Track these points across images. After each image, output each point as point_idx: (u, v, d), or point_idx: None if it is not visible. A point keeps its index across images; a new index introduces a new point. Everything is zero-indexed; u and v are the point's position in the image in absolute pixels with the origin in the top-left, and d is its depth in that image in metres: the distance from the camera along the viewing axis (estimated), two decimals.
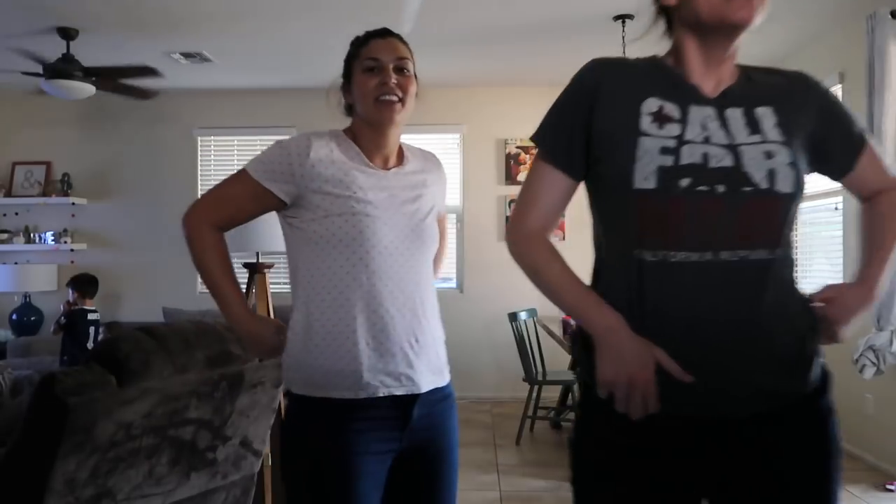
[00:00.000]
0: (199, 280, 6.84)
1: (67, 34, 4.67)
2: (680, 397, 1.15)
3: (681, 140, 1.18)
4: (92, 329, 5.11)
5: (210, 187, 1.64)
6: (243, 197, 1.57)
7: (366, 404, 1.50)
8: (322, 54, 5.38)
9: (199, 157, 6.59)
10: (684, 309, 1.15)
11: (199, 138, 6.58)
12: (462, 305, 6.37)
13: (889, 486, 3.98)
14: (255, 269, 3.14)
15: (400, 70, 1.60)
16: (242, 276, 3.56)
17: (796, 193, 1.18)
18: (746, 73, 1.33)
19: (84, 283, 5.20)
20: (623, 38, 4.75)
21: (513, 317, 5.10)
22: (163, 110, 6.45)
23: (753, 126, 1.22)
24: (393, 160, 1.67)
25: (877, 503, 3.80)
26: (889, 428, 4.25)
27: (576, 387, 5.06)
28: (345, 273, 1.52)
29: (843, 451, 1.27)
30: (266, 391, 2.06)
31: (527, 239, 1.32)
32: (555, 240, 1.42)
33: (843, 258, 4.70)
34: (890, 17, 4.01)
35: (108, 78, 5.00)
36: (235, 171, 1.60)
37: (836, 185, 1.37)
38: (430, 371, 1.58)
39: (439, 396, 1.61)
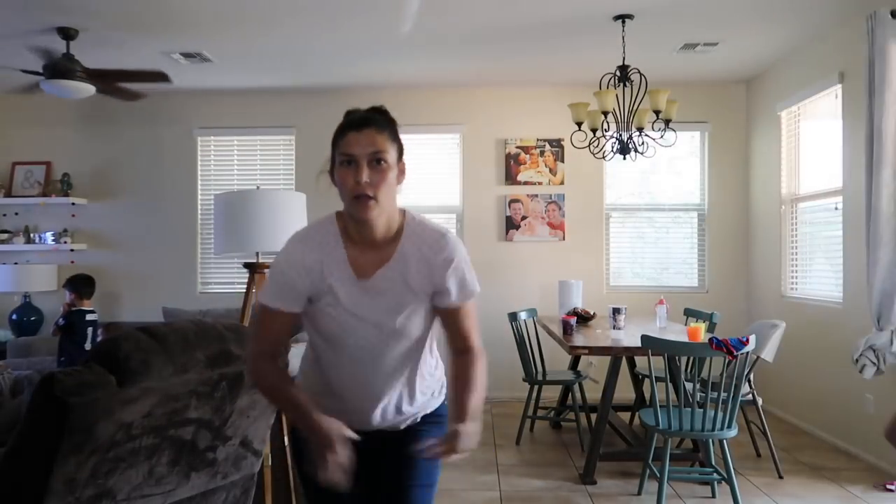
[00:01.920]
0: (199, 280, 6.86)
1: (67, 34, 4.67)
2: None
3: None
4: (90, 330, 5.11)
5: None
6: (273, 323, 1.73)
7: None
8: (322, 55, 5.38)
9: (199, 157, 6.59)
10: None
11: (199, 138, 6.58)
12: None
13: (889, 486, 3.98)
14: (255, 269, 3.14)
15: (377, 162, 1.63)
16: (242, 276, 3.56)
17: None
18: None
19: (81, 284, 5.19)
20: (623, 38, 4.75)
21: (513, 317, 5.10)
22: (163, 110, 6.45)
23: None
24: (384, 249, 1.73)
25: (877, 503, 3.81)
26: None
27: (576, 387, 5.07)
28: (322, 351, 1.77)
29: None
30: None
31: None
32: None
33: (843, 258, 4.70)
34: (890, 17, 4.01)
35: (112, 80, 5.00)
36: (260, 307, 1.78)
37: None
38: (388, 423, 1.80)
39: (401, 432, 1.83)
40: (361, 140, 1.63)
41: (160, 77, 4.97)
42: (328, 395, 1.78)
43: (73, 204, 6.48)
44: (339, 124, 1.69)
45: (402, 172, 1.71)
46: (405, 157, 1.73)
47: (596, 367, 5.96)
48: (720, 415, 3.53)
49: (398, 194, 1.71)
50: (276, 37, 4.97)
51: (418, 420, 1.86)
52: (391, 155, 1.65)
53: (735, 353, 3.45)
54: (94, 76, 4.79)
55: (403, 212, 1.76)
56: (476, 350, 1.78)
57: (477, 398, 1.69)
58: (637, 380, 5.21)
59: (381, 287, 1.71)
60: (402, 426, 1.84)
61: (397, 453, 1.81)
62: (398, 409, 1.80)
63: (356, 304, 1.71)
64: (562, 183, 6.39)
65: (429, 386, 1.85)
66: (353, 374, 1.76)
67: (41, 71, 4.71)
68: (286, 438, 3.07)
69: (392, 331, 1.73)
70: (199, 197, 6.55)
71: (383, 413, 1.79)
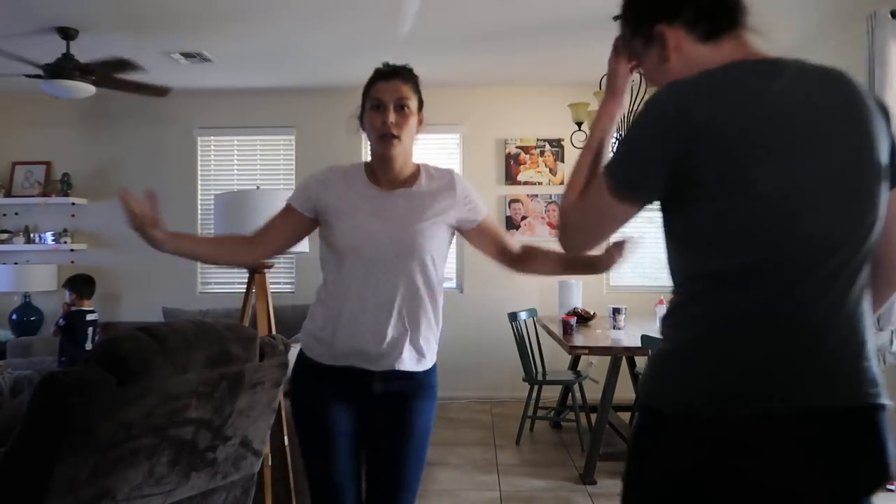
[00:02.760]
0: (199, 280, 6.86)
1: (67, 34, 4.66)
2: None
3: None
4: (90, 330, 5.10)
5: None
6: (280, 216, 2.04)
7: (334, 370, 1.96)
8: (322, 54, 5.38)
9: (199, 157, 6.59)
10: None
11: (199, 138, 6.58)
12: (462, 305, 6.36)
13: (889, 487, 3.98)
14: (255, 269, 3.14)
15: (401, 108, 1.92)
16: (242, 277, 3.56)
17: None
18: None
19: (81, 284, 5.18)
20: None
21: (513, 317, 5.10)
22: (163, 110, 6.45)
23: None
24: (403, 182, 1.98)
25: (877, 503, 3.80)
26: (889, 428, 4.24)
27: (576, 387, 5.07)
28: (338, 276, 1.94)
29: None
30: (266, 391, 2.06)
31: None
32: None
33: None
34: (890, 17, 4.01)
35: (114, 85, 5.00)
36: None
37: None
38: (393, 357, 1.92)
39: (408, 379, 1.97)
40: (389, 88, 1.93)
41: (162, 91, 5.01)
42: (343, 322, 1.91)
43: (73, 204, 6.48)
44: (369, 78, 1.98)
45: (420, 122, 2.00)
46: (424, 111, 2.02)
47: (596, 367, 5.96)
48: None
49: (416, 141, 2.00)
50: (277, 36, 4.97)
51: (413, 382, 1.98)
52: (413, 103, 1.96)
53: None
54: (95, 74, 4.78)
55: (418, 164, 2.03)
56: (515, 248, 2.07)
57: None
58: (637, 380, 5.21)
59: (400, 202, 1.94)
60: (403, 367, 1.95)
61: (393, 423, 1.96)
62: (405, 341, 1.93)
63: (376, 217, 1.91)
64: (562, 183, 6.39)
65: (433, 335, 2.01)
66: (367, 292, 1.90)
67: (41, 72, 4.72)
68: (286, 438, 3.08)
69: (406, 245, 1.90)
70: (199, 197, 6.55)
71: (392, 341, 1.91)
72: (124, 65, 4.70)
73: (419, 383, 1.99)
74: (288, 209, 2.00)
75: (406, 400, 1.97)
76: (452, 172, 2.04)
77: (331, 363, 1.95)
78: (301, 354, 2.03)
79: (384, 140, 1.90)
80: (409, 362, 1.95)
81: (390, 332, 1.91)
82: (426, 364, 2.01)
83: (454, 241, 2.10)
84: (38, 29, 4.65)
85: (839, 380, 1.17)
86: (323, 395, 1.96)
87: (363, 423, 1.99)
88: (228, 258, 2.08)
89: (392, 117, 1.89)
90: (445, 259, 2.02)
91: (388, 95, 1.91)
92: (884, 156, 1.24)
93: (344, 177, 1.99)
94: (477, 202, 2.03)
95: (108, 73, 4.81)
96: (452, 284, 6.46)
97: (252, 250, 2.03)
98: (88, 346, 5.04)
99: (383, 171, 1.97)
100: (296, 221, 1.99)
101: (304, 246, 2.33)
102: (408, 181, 1.98)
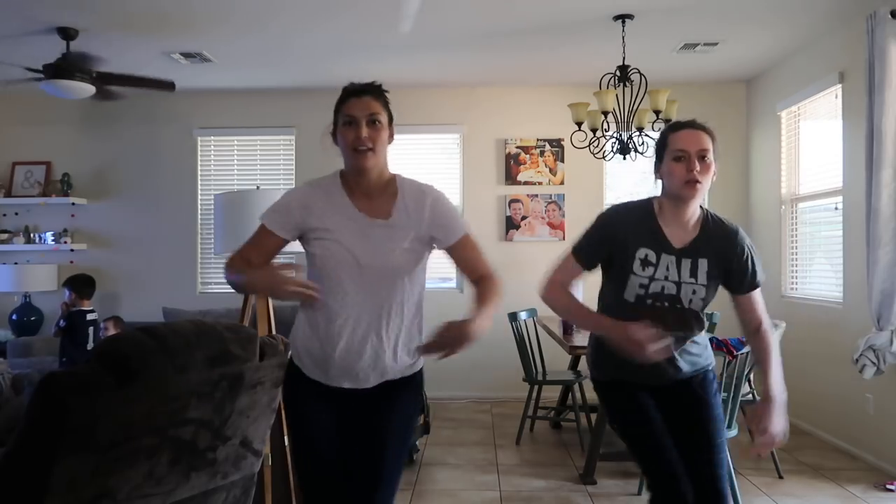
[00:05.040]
0: (199, 280, 6.85)
1: (67, 34, 4.66)
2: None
3: (651, 278, 2.19)
4: (91, 330, 5.10)
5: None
6: (259, 238, 2.08)
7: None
8: (322, 54, 5.38)
9: (199, 157, 6.59)
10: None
11: (199, 138, 6.58)
12: (462, 305, 6.32)
13: (889, 486, 3.98)
14: None
15: (373, 122, 1.99)
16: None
17: (702, 310, 2.24)
18: (706, 227, 2.22)
19: (81, 284, 5.18)
20: (623, 38, 4.75)
21: (513, 317, 5.10)
22: (163, 110, 6.45)
23: (694, 272, 2.20)
24: (378, 197, 2.05)
25: (877, 503, 3.81)
26: (889, 428, 4.25)
27: (576, 387, 5.07)
28: (323, 292, 1.98)
29: None
30: (266, 391, 2.06)
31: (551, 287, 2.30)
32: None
33: (843, 258, 4.70)
34: (890, 17, 4.01)
35: (118, 84, 5.01)
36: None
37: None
38: (375, 376, 2.03)
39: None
40: (360, 104, 2.00)
41: (167, 86, 5.00)
42: (330, 344, 2.00)
43: (73, 204, 6.48)
44: (340, 95, 2.05)
45: (391, 136, 2.07)
46: (394, 124, 2.08)
47: None
48: None
49: (388, 154, 2.06)
50: (277, 36, 4.97)
51: (398, 381, 2.08)
52: (384, 117, 2.02)
53: (735, 353, 3.45)
54: (99, 78, 4.78)
55: (394, 174, 2.09)
56: (489, 274, 2.08)
57: (490, 306, 1.98)
58: None
59: (382, 224, 2.02)
60: (389, 378, 2.06)
61: (379, 412, 2.05)
62: (389, 357, 2.03)
63: (358, 240, 2.00)
64: (562, 183, 6.39)
65: (418, 341, 2.10)
66: (349, 311, 1.99)
67: (41, 72, 4.72)
68: (286, 438, 3.08)
69: (386, 272, 2.00)
70: (199, 197, 6.55)
71: (377, 360, 2.02)
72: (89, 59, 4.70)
73: (405, 381, 2.11)
74: (266, 233, 2.05)
75: (389, 391, 2.07)
76: (429, 194, 2.07)
77: (323, 382, 2.06)
78: (291, 362, 2.12)
79: (358, 153, 1.98)
80: (394, 373, 2.07)
81: (375, 352, 2.01)
82: (414, 369, 2.12)
83: None
84: (38, 29, 4.66)
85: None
86: (307, 397, 2.08)
87: (345, 416, 2.08)
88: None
89: (365, 132, 1.97)
90: (425, 269, 2.12)
91: (360, 111, 1.99)
92: None
93: (325, 196, 2.05)
94: (451, 225, 2.08)
95: (108, 79, 4.82)
96: (452, 284, 6.46)
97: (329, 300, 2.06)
98: (89, 346, 5.04)
99: (359, 184, 2.04)
100: (277, 243, 2.07)
101: (298, 245, 2.34)
102: (385, 202, 2.04)
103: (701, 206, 2.24)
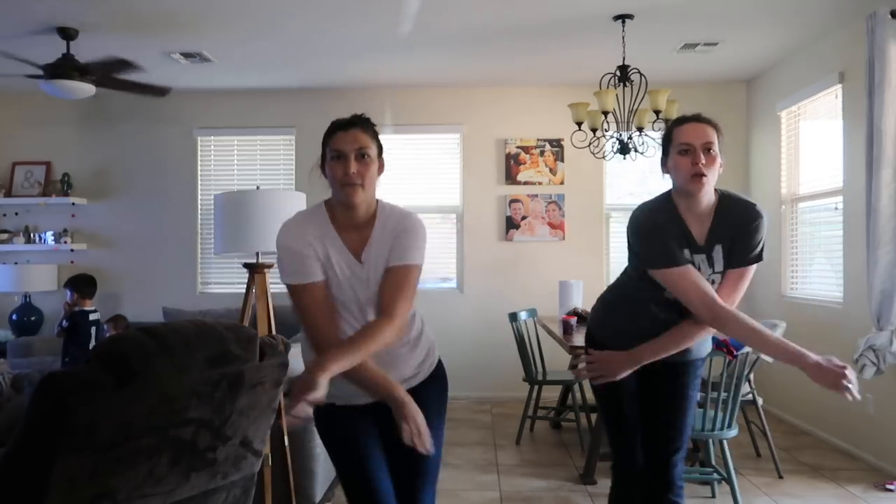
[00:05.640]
0: (199, 280, 6.85)
1: (67, 34, 4.66)
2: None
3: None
4: (93, 329, 5.11)
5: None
6: (309, 298, 2.01)
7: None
8: (321, 54, 5.38)
9: (199, 157, 6.59)
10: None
11: (199, 138, 6.58)
12: (462, 305, 6.37)
13: (889, 486, 3.98)
14: (255, 269, 3.14)
15: (362, 156, 1.97)
16: (242, 277, 3.60)
17: None
18: (720, 211, 2.24)
19: (83, 285, 5.19)
20: (623, 38, 4.75)
21: (513, 317, 5.10)
22: (163, 110, 6.45)
23: (712, 263, 2.25)
24: (365, 229, 2.04)
25: (877, 503, 3.81)
26: (889, 428, 4.25)
27: (576, 387, 5.07)
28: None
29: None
30: (266, 391, 2.06)
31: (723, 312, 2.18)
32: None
33: (843, 258, 4.70)
34: (890, 17, 4.01)
35: (115, 86, 5.00)
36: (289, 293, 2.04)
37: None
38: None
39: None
40: (348, 138, 1.97)
41: (160, 91, 5.00)
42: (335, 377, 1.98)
43: (73, 204, 6.48)
44: (327, 128, 2.02)
45: (381, 167, 2.04)
46: (384, 155, 2.06)
47: None
48: (720, 415, 3.53)
49: (377, 186, 2.05)
50: (276, 37, 4.97)
51: (420, 380, 2.13)
52: (373, 150, 2.00)
53: (735, 353, 3.45)
54: (95, 74, 4.78)
55: (377, 200, 2.07)
56: (391, 316, 1.95)
57: (346, 354, 1.84)
58: None
59: (367, 263, 2.02)
60: (412, 384, 2.10)
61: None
62: (397, 374, 2.04)
63: (348, 278, 2.02)
64: (562, 183, 6.39)
65: (422, 348, 2.14)
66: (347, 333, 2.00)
67: (41, 72, 4.71)
68: (286, 438, 3.08)
69: (372, 298, 2.02)
70: (199, 197, 6.55)
71: (389, 368, 2.01)
72: (124, 65, 4.70)
73: (430, 378, 2.16)
74: (303, 290, 1.99)
75: (418, 393, 2.06)
76: (406, 224, 2.04)
77: (354, 403, 2.08)
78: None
79: (347, 188, 1.96)
80: (417, 379, 2.13)
81: (392, 364, 2.05)
82: (432, 365, 2.18)
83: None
84: (38, 29, 4.66)
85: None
86: (346, 427, 2.10)
87: (382, 422, 2.07)
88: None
89: (354, 167, 1.95)
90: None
91: (349, 146, 1.96)
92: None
93: (317, 229, 2.02)
94: (405, 248, 2.01)
95: (108, 73, 4.81)
96: (453, 284, 6.46)
97: (341, 332, 2.05)
98: (92, 345, 5.05)
99: (347, 217, 2.03)
100: (318, 288, 2.00)
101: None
102: (369, 223, 2.04)
103: (716, 190, 2.23)
